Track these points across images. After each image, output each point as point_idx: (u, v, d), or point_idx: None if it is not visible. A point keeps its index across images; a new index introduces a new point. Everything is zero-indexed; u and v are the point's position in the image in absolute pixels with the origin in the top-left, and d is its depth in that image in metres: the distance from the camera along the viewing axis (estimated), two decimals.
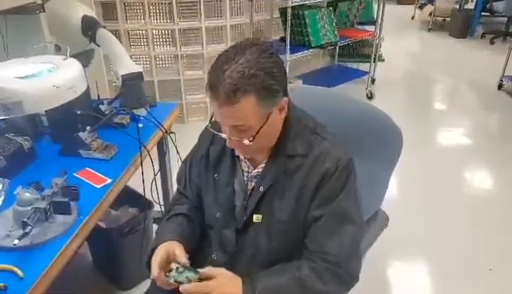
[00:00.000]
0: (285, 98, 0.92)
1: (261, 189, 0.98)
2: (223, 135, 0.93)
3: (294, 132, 0.98)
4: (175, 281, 0.90)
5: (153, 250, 0.99)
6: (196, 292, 0.87)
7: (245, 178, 1.03)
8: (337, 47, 4.05)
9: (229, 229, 1.04)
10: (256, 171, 1.01)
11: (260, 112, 0.87)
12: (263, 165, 1.00)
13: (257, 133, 0.88)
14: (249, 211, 1.00)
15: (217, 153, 1.06)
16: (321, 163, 0.95)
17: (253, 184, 1.02)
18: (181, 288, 0.88)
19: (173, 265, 0.92)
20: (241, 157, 1.03)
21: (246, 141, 0.89)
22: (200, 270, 0.90)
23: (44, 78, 1.21)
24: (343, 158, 0.96)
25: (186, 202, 1.14)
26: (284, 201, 0.97)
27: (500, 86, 3.97)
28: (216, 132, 0.96)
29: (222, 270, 0.92)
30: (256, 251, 1.01)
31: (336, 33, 3.48)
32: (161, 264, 0.94)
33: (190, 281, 0.89)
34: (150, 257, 0.99)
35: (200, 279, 0.89)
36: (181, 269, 0.91)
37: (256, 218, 0.99)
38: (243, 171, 1.04)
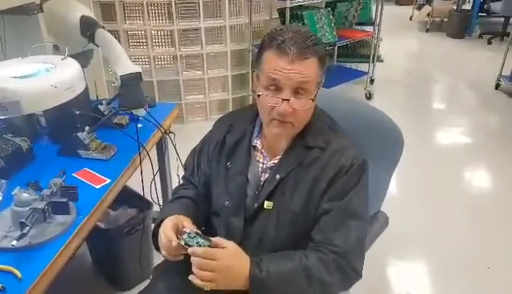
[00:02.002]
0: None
1: (277, 176, 1.00)
2: (277, 100, 0.92)
3: (315, 126, 1.02)
4: (185, 244, 0.90)
5: (159, 224, 0.99)
6: (203, 257, 0.87)
7: (260, 169, 1.05)
8: (336, 48, 4.05)
9: (237, 217, 1.05)
10: (272, 162, 1.03)
11: (318, 77, 0.95)
12: (279, 156, 1.02)
13: (317, 92, 0.95)
14: (262, 199, 1.01)
15: (234, 142, 1.08)
16: (338, 159, 0.97)
17: (266, 175, 1.03)
18: (189, 250, 0.89)
19: (187, 229, 0.93)
20: (258, 147, 1.05)
21: (308, 100, 0.94)
22: (212, 239, 0.91)
23: (42, 78, 1.21)
24: (359, 157, 0.99)
25: (192, 187, 1.14)
26: (297, 192, 0.98)
27: (497, 86, 3.98)
28: (275, 96, 0.93)
29: (233, 244, 0.92)
30: (263, 238, 1.02)
31: (335, 33, 3.48)
32: (173, 229, 0.94)
33: (200, 246, 0.89)
34: (155, 230, 1.00)
35: (211, 247, 0.89)
36: (192, 235, 0.91)
37: (267, 205, 1.00)
38: (258, 161, 1.05)
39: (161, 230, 0.96)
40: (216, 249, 0.89)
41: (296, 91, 0.93)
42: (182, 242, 0.90)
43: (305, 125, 1.00)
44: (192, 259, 0.88)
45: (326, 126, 1.03)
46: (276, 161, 1.02)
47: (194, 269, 0.88)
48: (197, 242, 0.90)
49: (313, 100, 0.95)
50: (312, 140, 1.00)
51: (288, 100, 0.92)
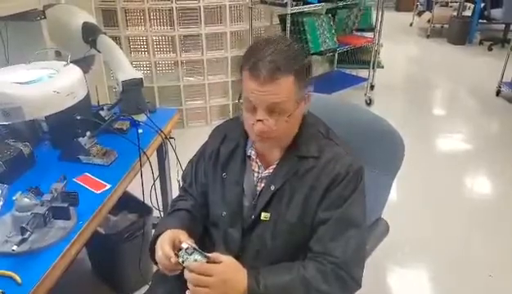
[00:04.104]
0: (310, 88, 0.96)
1: (272, 187, 0.99)
2: (254, 120, 0.93)
3: (308, 135, 1.01)
4: (183, 261, 0.90)
5: (155, 239, 0.99)
6: (199, 273, 0.87)
7: (255, 178, 1.04)
8: (336, 54, 4.07)
9: (235, 228, 1.04)
10: (267, 171, 1.03)
11: (295, 95, 0.92)
12: (274, 166, 1.02)
13: (294, 112, 0.92)
14: (258, 210, 1.00)
15: (228, 152, 1.08)
16: (332, 167, 0.97)
17: (262, 185, 1.03)
18: (185, 264, 0.89)
19: (184, 245, 0.92)
20: (252, 157, 1.05)
21: (284, 119, 0.92)
22: (209, 255, 0.90)
23: (44, 84, 1.22)
24: (354, 164, 0.97)
25: (190, 199, 1.14)
26: (293, 202, 0.98)
27: (498, 93, 3.99)
28: (252, 116, 0.94)
29: (230, 258, 0.92)
30: (260, 249, 1.01)
31: (335, 39, 3.50)
32: (170, 246, 0.93)
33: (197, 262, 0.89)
34: (152, 245, 1.00)
35: (208, 263, 0.89)
36: (190, 251, 0.91)
37: (264, 216, 1.00)
38: (253, 171, 1.05)
39: (158, 246, 0.96)
40: (211, 264, 0.88)
41: (271, 111, 0.91)
42: (180, 260, 0.90)
43: (298, 134, 1.00)
44: (187, 275, 0.88)
45: (320, 134, 1.02)
46: (271, 170, 1.02)
47: (189, 285, 0.87)
48: (194, 259, 0.90)
49: (287, 122, 0.93)
50: (305, 150, 0.99)
51: (262, 120, 0.92)
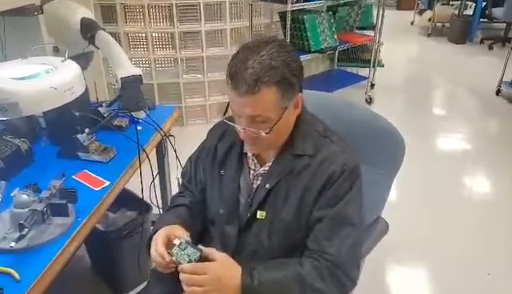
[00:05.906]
0: (300, 94, 0.95)
1: (267, 186, 0.99)
2: (238, 128, 0.94)
3: (304, 133, 1.00)
4: (176, 259, 0.89)
5: (152, 236, 0.99)
6: (192, 273, 0.87)
7: (251, 176, 1.04)
8: (336, 52, 4.05)
9: (231, 225, 1.04)
10: (262, 169, 1.03)
11: (278, 104, 0.89)
12: (270, 163, 1.01)
13: (274, 125, 0.90)
14: (254, 208, 1.00)
15: (225, 150, 1.07)
16: (328, 166, 0.96)
17: (258, 182, 1.02)
18: (179, 268, 0.89)
19: (176, 241, 0.92)
20: (249, 154, 1.04)
21: (263, 133, 0.90)
22: (204, 248, 0.90)
23: (42, 80, 1.21)
24: (349, 163, 0.97)
25: (189, 195, 1.14)
26: (288, 200, 0.98)
27: (498, 92, 3.98)
28: (231, 124, 0.96)
29: (225, 255, 0.92)
30: (257, 248, 1.01)
31: (336, 37, 3.49)
32: (164, 243, 0.94)
33: (190, 260, 0.89)
34: (149, 241, 1.00)
35: (201, 258, 0.89)
36: (183, 246, 0.91)
37: (260, 215, 1.00)
38: (249, 168, 1.05)
39: (152, 244, 0.96)
40: (205, 263, 0.88)
41: (253, 120, 0.90)
42: (174, 258, 0.90)
43: (293, 133, 0.99)
44: (181, 276, 0.87)
45: (317, 133, 1.01)
46: (267, 168, 1.01)
47: (184, 286, 0.87)
48: (188, 255, 0.89)
49: (267, 133, 0.90)
50: (300, 148, 0.98)
51: (245, 128, 0.92)
